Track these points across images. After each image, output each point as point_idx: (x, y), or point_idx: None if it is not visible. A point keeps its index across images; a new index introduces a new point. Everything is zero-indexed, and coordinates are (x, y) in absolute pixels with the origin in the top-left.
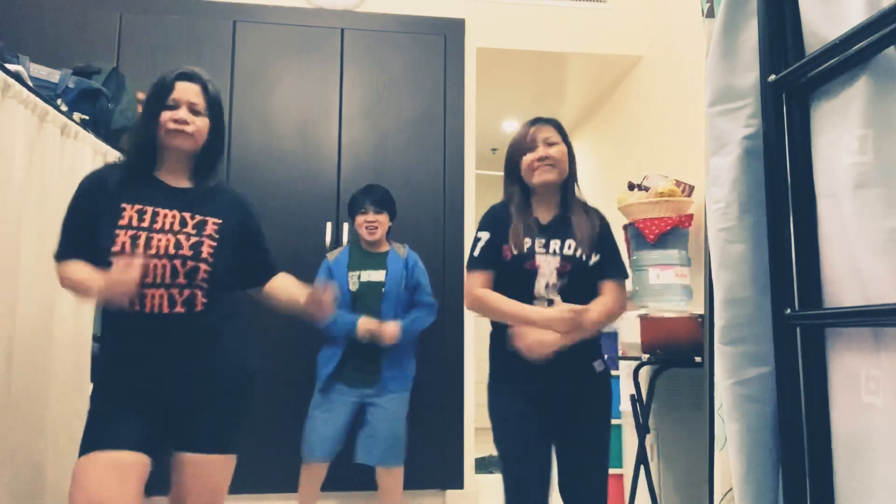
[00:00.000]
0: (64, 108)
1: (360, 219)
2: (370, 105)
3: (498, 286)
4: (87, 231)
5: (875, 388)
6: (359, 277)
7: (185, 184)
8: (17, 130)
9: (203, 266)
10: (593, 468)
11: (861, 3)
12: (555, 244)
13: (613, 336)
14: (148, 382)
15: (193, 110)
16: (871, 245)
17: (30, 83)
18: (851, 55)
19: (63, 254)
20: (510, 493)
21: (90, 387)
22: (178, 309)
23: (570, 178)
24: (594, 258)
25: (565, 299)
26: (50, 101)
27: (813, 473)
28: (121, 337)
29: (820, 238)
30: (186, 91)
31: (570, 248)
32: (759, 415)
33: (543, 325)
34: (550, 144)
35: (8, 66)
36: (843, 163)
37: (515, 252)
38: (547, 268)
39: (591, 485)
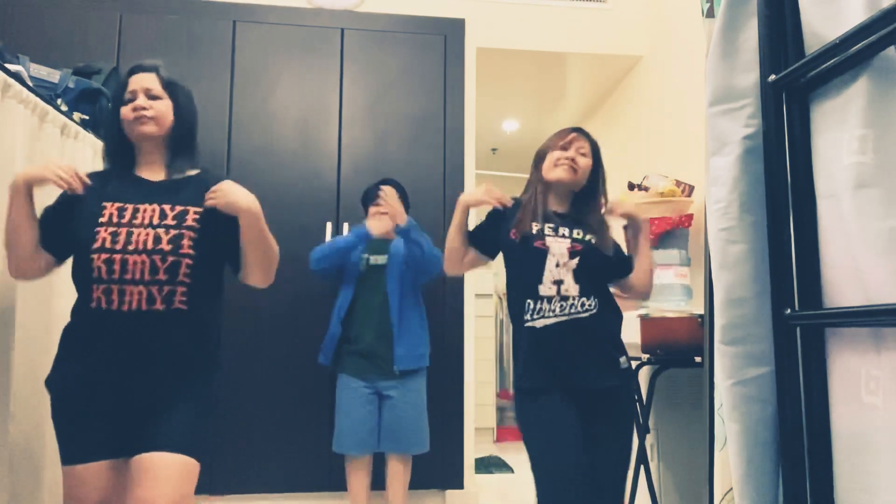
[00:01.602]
0: (64, 108)
1: (372, 210)
2: (370, 105)
3: (510, 267)
4: (58, 221)
5: (875, 388)
6: (367, 260)
7: (164, 176)
8: (17, 130)
9: (185, 261)
10: (612, 471)
11: (861, 3)
12: (564, 229)
13: None
14: (116, 383)
15: (151, 95)
16: (871, 245)
17: (30, 83)
18: (851, 55)
19: None
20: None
21: None
22: (157, 306)
23: (591, 190)
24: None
25: (577, 280)
26: (50, 101)
27: (813, 473)
28: (90, 335)
29: (820, 238)
30: (140, 81)
31: (579, 234)
32: (759, 415)
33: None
34: (582, 154)
35: (8, 66)
36: (843, 163)
37: (522, 233)
38: (557, 248)
39: (608, 489)
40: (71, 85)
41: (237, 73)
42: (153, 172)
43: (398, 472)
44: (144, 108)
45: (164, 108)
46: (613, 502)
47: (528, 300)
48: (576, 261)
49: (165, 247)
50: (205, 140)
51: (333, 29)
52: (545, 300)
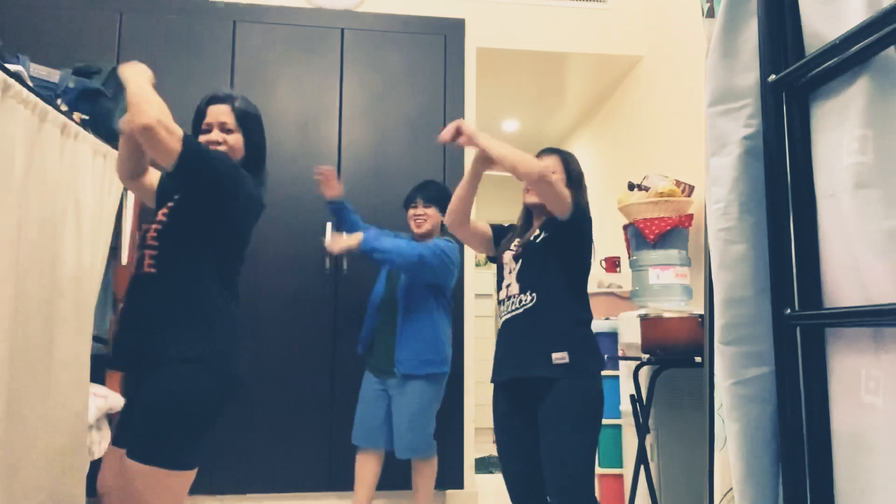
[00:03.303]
0: (64, 108)
1: (410, 212)
2: (370, 105)
3: None
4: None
5: (875, 388)
6: None
7: None
8: (17, 130)
9: (153, 226)
10: (553, 464)
11: (861, 3)
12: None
13: (613, 336)
14: (115, 354)
15: (224, 129)
16: (871, 245)
17: (30, 83)
18: (851, 55)
19: None
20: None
21: (91, 387)
22: (144, 270)
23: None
24: (542, 235)
25: (518, 279)
26: (50, 101)
27: (813, 473)
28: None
29: (820, 238)
30: (216, 113)
31: (527, 237)
32: (759, 415)
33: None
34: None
35: (8, 66)
36: (843, 163)
37: (501, 249)
38: (507, 257)
39: (551, 480)
40: (71, 85)
41: (237, 73)
42: None
43: (418, 471)
44: (219, 143)
45: (235, 142)
46: (557, 492)
47: None
48: (518, 263)
49: (160, 218)
50: None
51: (333, 29)
52: (502, 303)
